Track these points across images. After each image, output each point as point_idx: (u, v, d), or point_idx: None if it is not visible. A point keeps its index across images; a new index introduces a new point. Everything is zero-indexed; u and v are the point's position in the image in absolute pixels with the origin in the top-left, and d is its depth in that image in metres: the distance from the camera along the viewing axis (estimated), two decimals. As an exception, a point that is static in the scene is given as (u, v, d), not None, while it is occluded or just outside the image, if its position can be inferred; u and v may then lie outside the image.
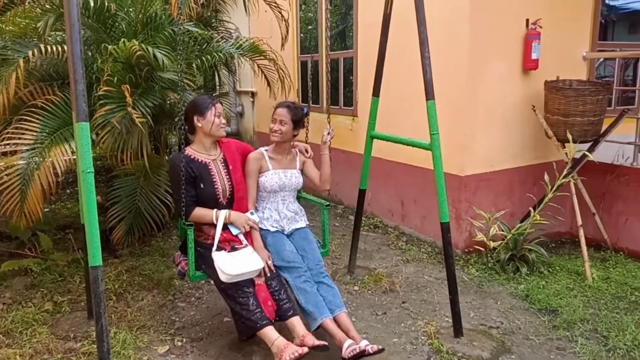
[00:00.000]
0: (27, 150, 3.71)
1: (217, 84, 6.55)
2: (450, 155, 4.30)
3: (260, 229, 3.21)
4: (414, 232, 5.07)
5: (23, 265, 4.13)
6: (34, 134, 3.77)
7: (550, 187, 4.17)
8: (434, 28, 3.80)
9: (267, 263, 3.04)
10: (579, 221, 4.21)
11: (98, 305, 2.25)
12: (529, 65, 4.42)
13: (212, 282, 3.18)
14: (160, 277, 4.08)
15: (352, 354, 2.74)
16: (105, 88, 3.79)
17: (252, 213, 3.17)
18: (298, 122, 3.27)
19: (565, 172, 4.19)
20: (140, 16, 4.55)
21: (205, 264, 3.03)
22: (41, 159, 3.66)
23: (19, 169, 3.62)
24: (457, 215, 4.48)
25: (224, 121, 3.20)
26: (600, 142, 4.32)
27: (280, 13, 5.34)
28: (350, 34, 5.94)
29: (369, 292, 3.90)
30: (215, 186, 3.12)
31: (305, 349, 2.71)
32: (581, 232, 4.19)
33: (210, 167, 3.13)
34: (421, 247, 4.77)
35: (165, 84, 4.37)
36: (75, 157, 3.88)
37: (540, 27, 4.38)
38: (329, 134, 3.35)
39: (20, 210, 3.59)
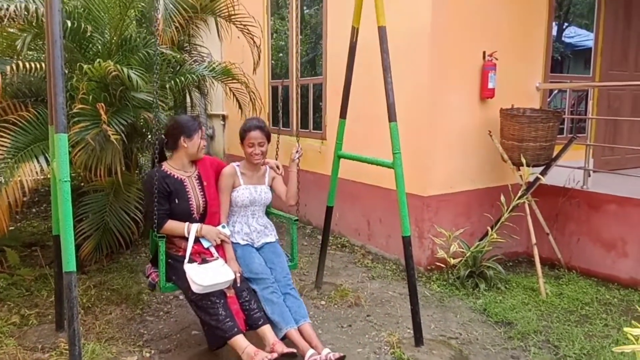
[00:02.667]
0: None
1: (189, 105, 6.67)
2: (414, 176, 4.52)
3: (231, 242, 3.31)
4: (379, 251, 5.24)
5: (-11, 280, 4.10)
6: (4, 149, 3.83)
7: (506, 208, 4.42)
8: (397, 57, 4.07)
9: (237, 275, 3.12)
10: (533, 240, 4.46)
11: (71, 310, 2.32)
12: (485, 94, 4.72)
13: (181, 296, 3.26)
14: (129, 292, 4.12)
15: None
16: (80, 106, 3.89)
17: (223, 227, 3.27)
18: (269, 138, 3.43)
19: (519, 193, 4.45)
20: (115, 38, 4.69)
21: (175, 276, 3.11)
22: (10, 175, 3.70)
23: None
24: (420, 234, 4.68)
25: (205, 143, 3.35)
26: (551, 166, 4.61)
27: (252, 39, 5.55)
28: (320, 62, 6.19)
29: (335, 306, 4.02)
30: (190, 202, 3.22)
31: (275, 355, 2.83)
32: (535, 250, 4.44)
33: (185, 183, 3.24)
34: (386, 265, 4.94)
35: (138, 103, 4.48)
36: (43, 175, 3.97)
37: (496, 59, 4.70)
38: (297, 152, 3.52)
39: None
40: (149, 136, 5.10)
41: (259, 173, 3.50)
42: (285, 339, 3.07)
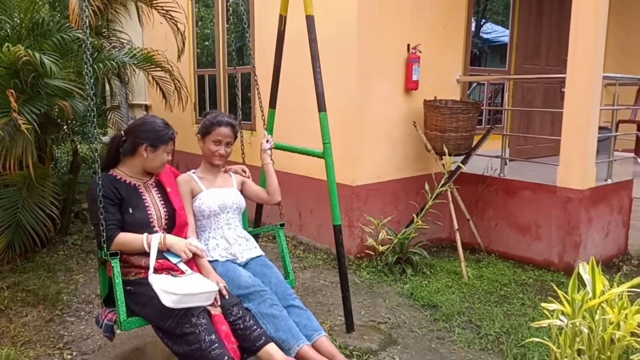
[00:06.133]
0: None
1: (109, 94, 6.35)
2: (343, 167, 4.58)
3: (208, 261, 2.70)
4: (310, 241, 5.27)
5: None
6: None
7: (430, 196, 4.58)
8: (326, 48, 4.08)
9: (221, 286, 2.52)
10: (455, 225, 4.67)
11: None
12: (410, 85, 4.86)
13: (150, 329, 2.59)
14: (46, 292, 3.88)
15: None
16: (-14, 93, 3.59)
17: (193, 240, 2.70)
18: (235, 140, 2.99)
19: (442, 181, 4.63)
20: (26, 21, 4.36)
21: (139, 305, 2.45)
22: None
23: None
24: (350, 223, 4.75)
25: (169, 158, 2.71)
26: (471, 155, 4.83)
27: (176, 25, 5.36)
28: (248, 51, 6.10)
29: (267, 297, 4.00)
30: (148, 211, 2.60)
31: None
32: (457, 236, 4.64)
33: (140, 189, 2.64)
34: (317, 254, 4.98)
35: (52, 91, 4.20)
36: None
37: (420, 52, 4.84)
38: (267, 141, 3.15)
39: None
40: (65, 127, 4.81)
41: (222, 175, 2.99)
42: None
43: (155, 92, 5.76)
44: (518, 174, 5.06)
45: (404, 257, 4.55)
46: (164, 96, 5.59)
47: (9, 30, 4.34)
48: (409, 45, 4.82)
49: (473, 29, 7.14)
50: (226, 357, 2.28)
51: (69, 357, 3.09)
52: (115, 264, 2.40)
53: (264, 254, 2.98)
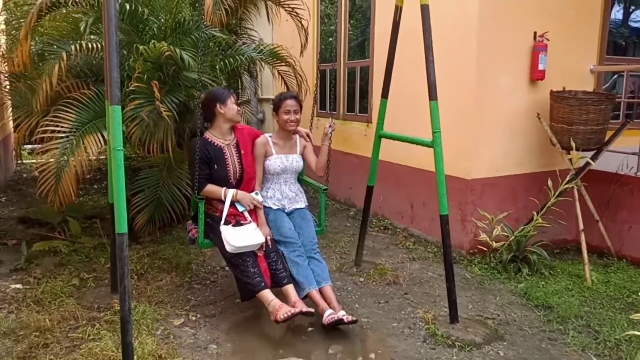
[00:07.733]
0: (63, 137, 4.06)
1: (240, 88, 6.86)
2: (458, 159, 4.51)
3: (264, 206, 3.61)
4: (422, 234, 5.25)
5: (53, 246, 4.48)
6: (70, 122, 4.13)
7: (553, 193, 4.32)
8: (446, 39, 4.03)
9: (267, 239, 3.43)
10: (581, 225, 4.35)
11: (122, 268, 2.51)
12: (536, 75, 4.61)
13: (226, 267, 3.62)
14: (179, 261, 4.37)
15: (330, 321, 3.18)
16: (136, 84, 4.12)
17: (256, 193, 3.56)
18: (302, 108, 3.71)
19: (568, 178, 4.34)
20: (170, 21, 4.89)
21: (213, 234, 3.44)
22: (76, 146, 3.99)
23: (55, 154, 3.96)
24: (463, 217, 4.66)
25: (239, 108, 3.66)
26: (603, 151, 4.46)
27: (300, 22, 5.64)
28: (368, 45, 6.21)
29: (374, 283, 4.10)
30: (228, 168, 3.52)
31: (297, 309, 3.14)
32: (582, 236, 4.32)
33: (224, 150, 3.55)
34: (428, 247, 4.96)
35: (190, 83, 4.67)
36: (104, 155, 4.21)
37: (547, 40, 4.58)
38: (330, 126, 3.71)
39: (55, 193, 3.91)
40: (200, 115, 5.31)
41: (290, 142, 3.74)
42: (306, 299, 3.33)
43: (280, 86, 6.10)
44: (659, 174, 4.56)
45: (520, 255, 4.35)
46: (288, 89, 5.90)
47: (155, 30, 4.91)
48: (535, 33, 4.58)
49: (621, 17, 6.52)
50: (263, 283, 3.25)
51: (193, 318, 3.48)
52: (201, 205, 3.36)
53: (306, 205, 3.75)
